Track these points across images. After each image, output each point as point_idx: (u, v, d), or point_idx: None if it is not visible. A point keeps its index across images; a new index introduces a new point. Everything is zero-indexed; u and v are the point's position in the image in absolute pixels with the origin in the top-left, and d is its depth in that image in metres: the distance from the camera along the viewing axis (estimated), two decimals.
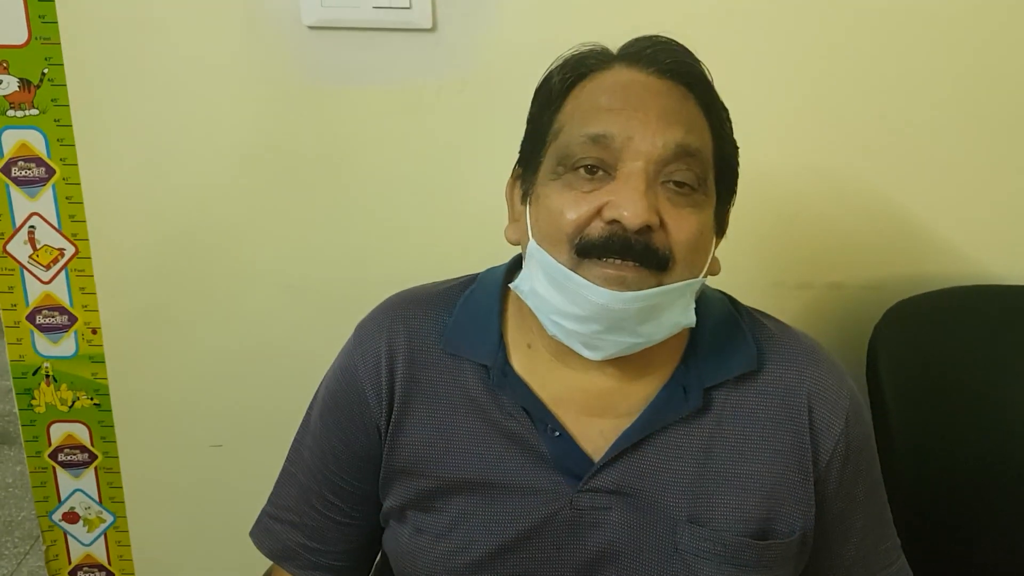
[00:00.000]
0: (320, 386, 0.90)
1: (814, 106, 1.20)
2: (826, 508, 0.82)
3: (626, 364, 0.79)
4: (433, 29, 1.18)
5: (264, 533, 0.91)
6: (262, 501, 0.95)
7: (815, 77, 1.19)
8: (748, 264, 1.25)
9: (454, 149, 1.24)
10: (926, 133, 1.22)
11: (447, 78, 1.20)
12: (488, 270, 0.88)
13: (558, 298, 0.74)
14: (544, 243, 0.75)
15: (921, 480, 1.13)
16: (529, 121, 0.82)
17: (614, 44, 0.82)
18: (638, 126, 0.73)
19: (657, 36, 0.78)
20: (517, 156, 1.20)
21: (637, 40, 0.78)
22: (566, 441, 0.79)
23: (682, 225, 0.73)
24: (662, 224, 0.72)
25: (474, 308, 0.84)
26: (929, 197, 1.25)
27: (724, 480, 0.79)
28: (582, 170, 0.74)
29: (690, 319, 0.76)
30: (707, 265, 0.77)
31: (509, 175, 1.21)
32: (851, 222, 1.27)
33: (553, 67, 0.80)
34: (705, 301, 0.82)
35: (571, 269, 0.73)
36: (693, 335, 0.81)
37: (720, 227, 0.80)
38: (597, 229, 0.72)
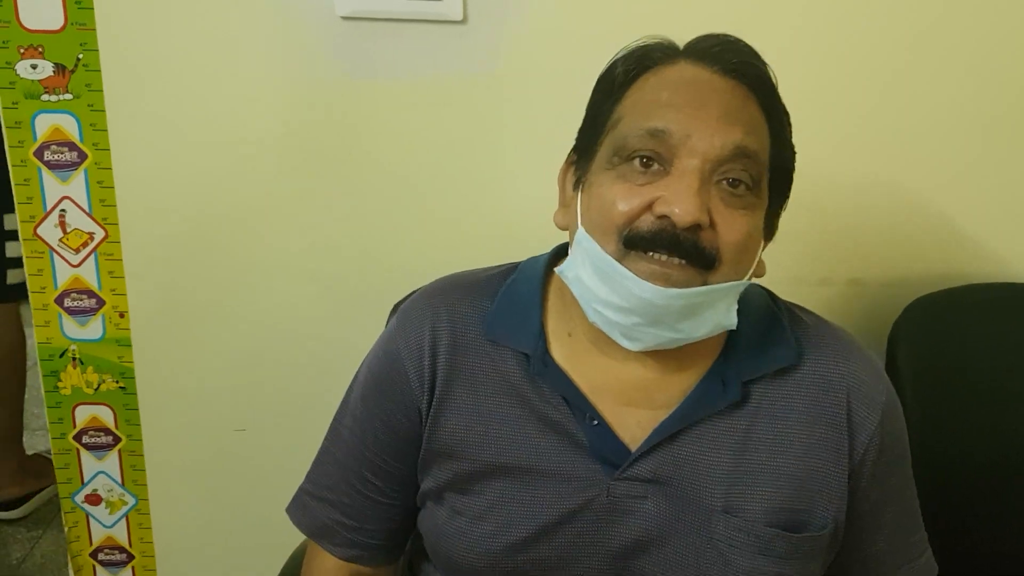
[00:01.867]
0: (361, 368, 0.91)
1: (836, 103, 1.21)
2: (859, 501, 0.84)
3: (665, 356, 0.80)
4: (464, 21, 1.19)
5: (301, 510, 0.93)
6: (285, 485, 0.96)
7: (836, 73, 1.21)
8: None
9: (482, 142, 1.25)
10: (947, 130, 1.23)
11: (477, 70, 1.21)
12: (530, 259, 0.89)
13: (602, 288, 0.75)
14: (593, 232, 0.76)
15: (939, 475, 1.14)
16: (588, 109, 0.82)
17: (649, 35, 0.82)
18: (698, 124, 0.73)
19: (725, 35, 0.78)
20: (546, 149, 1.22)
21: (705, 37, 0.79)
22: (604, 430, 0.80)
23: (732, 226, 0.73)
24: (712, 224, 0.73)
25: (515, 296, 0.85)
26: (950, 194, 1.26)
27: (759, 472, 0.80)
28: (637, 162, 0.74)
29: (731, 321, 0.77)
30: (753, 267, 0.78)
31: (537, 168, 1.23)
32: (872, 219, 1.28)
33: (617, 57, 0.80)
34: (745, 296, 0.82)
35: (617, 260, 0.74)
36: (733, 330, 0.82)
37: (769, 230, 0.81)
38: (647, 223, 0.73)
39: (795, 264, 1.29)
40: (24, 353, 2.08)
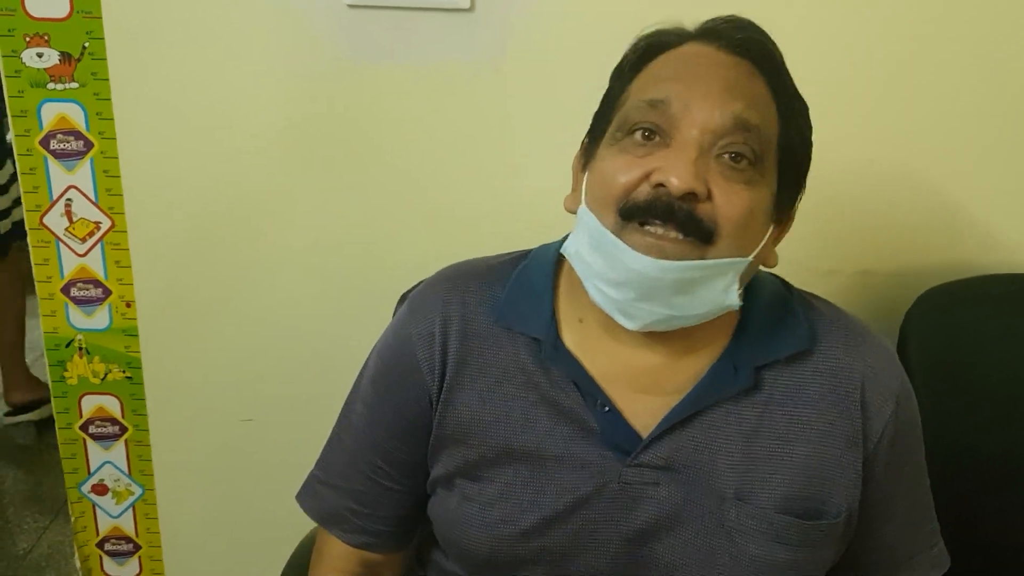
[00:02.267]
0: (371, 355, 0.91)
1: (846, 91, 1.20)
2: (872, 489, 0.83)
3: (674, 340, 0.79)
4: (471, 9, 1.18)
5: (311, 497, 0.93)
6: (292, 475, 0.96)
7: (846, 61, 1.19)
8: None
9: (489, 132, 1.24)
10: (959, 119, 1.22)
11: (483, 58, 1.20)
12: (541, 246, 0.88)
13: (600, 262, 0.75)
14: (593, 206, 0.76)
15: (950, 466, 1.12)
16: (603, 96, 0.82)
17: (664, 21, 0.81)
18: (698, 95, 0.73)
19: (735, 16, 0.79)
20: (554, 139, 1.21)
21: (715, 19, 0.79)
22: (615, 416, 0.80)
23: (731, 199, 0.73)
24: (710, 196, 0.72)
25: (527, 283, 0.85)
26: (962, 183, 1.25)
27: (772, 459, 0.80)
28: (638, 134, 0.74)
29: (731, 300, 0.76)
30: (758, 249, 0.77)
31: (545, 159, 1.22)
32: (883, 208, 1.27)
33: (631, 44, 0.81)
34: (757, 282, 0.83)
35: (614, 233, 0.74)
36: (744, 314, 0.81)
37: (780, 216, 0.80)
38: (643, 193, 0.73)
39: (805, 254, 1.28)
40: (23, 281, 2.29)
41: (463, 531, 0.84)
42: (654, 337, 0.79)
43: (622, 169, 0.74)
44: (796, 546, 0.80)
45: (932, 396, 1.14)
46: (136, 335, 1.35)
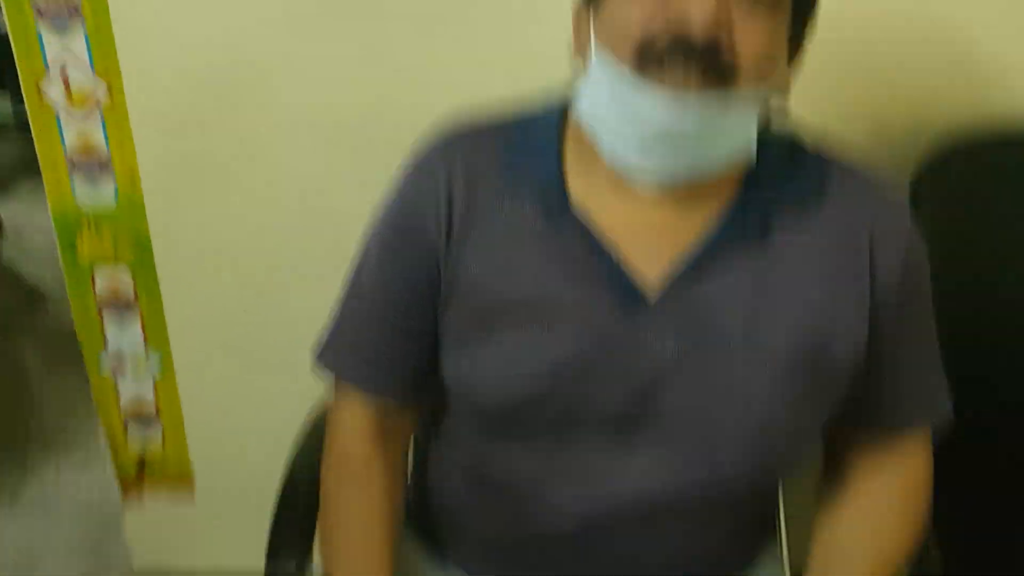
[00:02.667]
0: (376, 216, 0.90)
1: None
2: (880, 335, 0.83)
3: (683, 193, 0.79)
4: None
5: (326, 356, 0.93)
6: (305, 343, 0.97)
7: None
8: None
9: None
10: None
11: None
12: (546, 100, 0.87)
13: (616, 111, 0.73)
14: (607, 53, 0.74)
15: (959, 330, 1.12)
16: None
17: None
18: None
19: None
20: None
21: None
22: (623, 269, 0.80)
23: (752, 36, 0.70)
24: (731, 31, 0.70)
25: (533, 137, 0.84)
26: (980, 25, 1.20)
27: (779, 306, 0.80)
28: None
29: (750, 135, 0.75)
30: (776, 83, 0.75)
31: (547, 8, 1.18)
32: (894, 54, 1.22)
33: None
34: (769, 132, 0.81)
35: (632, 79, 0.71)
36: (754, 164, 0.81)
37: (792, 50, 0.77)
38: (661, 29, 0.70)
39: (814, 105, 1.23)
40: None
41: (474, 384, 0.85)
42: (663, 190, 0.78)
43: (637, 9, 0.71)
44: (803, 394, 0.81)
45: (945, 244, 1.13)
46: (143, 207, 1.34)
